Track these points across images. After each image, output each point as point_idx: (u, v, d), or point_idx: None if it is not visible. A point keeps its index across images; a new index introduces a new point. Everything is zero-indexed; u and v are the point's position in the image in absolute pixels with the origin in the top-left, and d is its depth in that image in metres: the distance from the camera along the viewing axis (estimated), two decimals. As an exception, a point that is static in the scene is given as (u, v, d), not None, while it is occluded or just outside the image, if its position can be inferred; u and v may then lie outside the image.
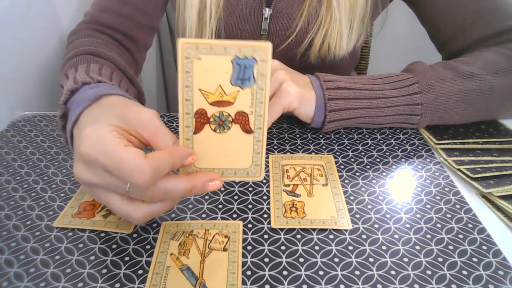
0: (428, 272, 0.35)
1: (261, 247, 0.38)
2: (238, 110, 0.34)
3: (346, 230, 0.40)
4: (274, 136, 0.55)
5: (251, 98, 0.33)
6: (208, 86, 0.33)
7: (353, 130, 0.56)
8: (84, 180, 0.34)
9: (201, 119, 0.34)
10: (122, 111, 0.36)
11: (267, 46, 0.31)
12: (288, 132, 0.56)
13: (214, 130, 0.34)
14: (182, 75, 0.32)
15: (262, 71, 0.32)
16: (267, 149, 0.52)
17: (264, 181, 0.46)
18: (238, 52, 0.31)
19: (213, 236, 0.39)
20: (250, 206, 0.43)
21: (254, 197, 0.44)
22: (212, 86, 0.33)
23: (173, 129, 0.56)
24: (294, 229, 0.40)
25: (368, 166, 0.49)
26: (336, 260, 0.37)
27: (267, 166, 0.49)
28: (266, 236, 0.39)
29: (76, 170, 0.34)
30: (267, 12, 0.61)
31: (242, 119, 0.34)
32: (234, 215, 0.42)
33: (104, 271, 0.35)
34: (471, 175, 0.46)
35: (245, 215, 0.41)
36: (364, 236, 0.39)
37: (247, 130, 0.34)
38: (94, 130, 0.33)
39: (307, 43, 0.60)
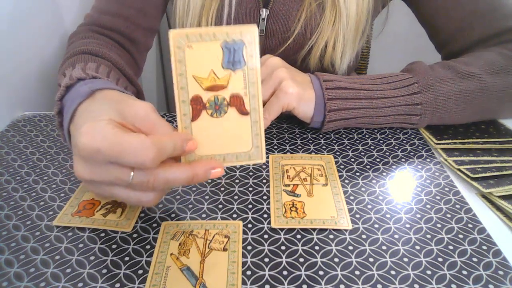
0: (428, 272, 0.35)
1: (261, 247, 0.38)
2: (232, 93, 0.35)
3: (346, 230, 0.40)
4: (274, 136, 0.55)
5: (244, 80, 0.35)
6: (201, 72, 0.34)
7: (353, 130, 0.56)
8: (85, 177, 0.33)
9: (197, 105, 0.35)
10: (118, 106, 0.35)
11: (253, 28, 0.34)
12: (288, 132, 0.56)
13: (211, 115, 0.35)
14: (175, 64, 0.33)
15: (250, 52, 0.34)
16: (267, 149, 0.52)
17: (264, 181, 0.46)
18: (226, 37, 0.33)
19: (213, 236, 0.39)
20: (250, 206, 0.43)
21: (254, 197, 0.44)
22: (205, 71, 0.34)
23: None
24: (294, 229, 0.40)
25: (368, 166, 0.49)
26: (336, 260, 0.37)
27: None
28: (266, 236, 0.39)
29: (76, 168, 0.34)
30: (264, 12, 0.61)
31: (237, 101, 0.35)
32: (234, 215, 0.42)
33: (104, 271, 0.35)
34: (471, 175, 0.46)
35: (245, 215, 0.41)
36: (364, 236, 0.39)
37: (243, 112, 0.35)
38: (92, 126, 0.33)
39: (307, 49, 0.60)
